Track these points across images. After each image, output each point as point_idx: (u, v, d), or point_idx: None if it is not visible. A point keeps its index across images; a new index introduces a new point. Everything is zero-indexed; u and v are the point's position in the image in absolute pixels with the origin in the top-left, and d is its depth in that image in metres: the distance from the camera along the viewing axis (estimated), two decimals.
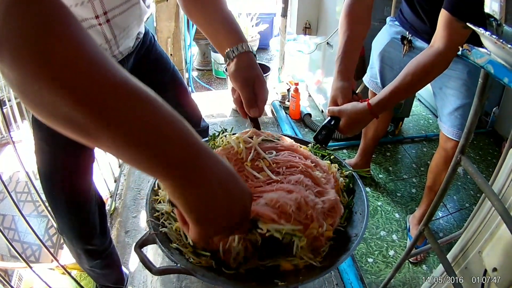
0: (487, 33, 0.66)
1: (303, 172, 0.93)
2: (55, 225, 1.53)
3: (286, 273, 0.84)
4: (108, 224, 1.53)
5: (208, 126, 1.63)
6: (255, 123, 1.04)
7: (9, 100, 2.85)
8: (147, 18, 1.24)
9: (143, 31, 1.28)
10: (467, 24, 0.77)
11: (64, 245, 1.92)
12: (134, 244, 0.81)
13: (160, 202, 0.97)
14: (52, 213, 1.28)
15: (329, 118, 1.25)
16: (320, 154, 1.13)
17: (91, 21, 0.95)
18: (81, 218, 1.28)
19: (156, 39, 1.40)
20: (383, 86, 1.97)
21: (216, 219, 0.54)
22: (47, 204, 1.30)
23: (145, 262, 0.76)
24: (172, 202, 0.56)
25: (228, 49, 0.96)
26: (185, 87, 1.51)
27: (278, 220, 0.77)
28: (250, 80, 0.96)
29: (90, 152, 1.26)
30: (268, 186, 0.88)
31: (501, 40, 0.64)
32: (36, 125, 1.13)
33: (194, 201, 0.50)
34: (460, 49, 0.77)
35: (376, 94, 2.00)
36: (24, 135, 2.83)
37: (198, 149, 0.49)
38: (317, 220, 0.83)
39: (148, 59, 1.33)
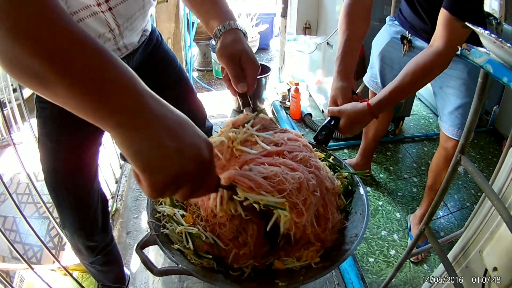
0: (486, 32, 0.66)
1: (305, 159, 0.90)
2: (56, 226, 1.54)
3: (287, 274, 0.84)
4: (110, 222, 1.53)
5: (212, 126, 1.63)
6: (244, 100, 1.02)
7: (10, 102, 2.86)
8: (151, 14, 1.24)
9: (150, 29, 1.29)
10: (466, 23, 0.77)
11: (66, 247, 1.92)
12: (136, 245, 0.81)
13: (161, 203, 0.97)
14: (55, 207, 1.28)
15: (329, 118, 1.25)
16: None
17: (93, 8, 0.96)
18: (83, 213, 1.29)
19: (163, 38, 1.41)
20: (383, 86, 1.97)
21: (163, 167, 0.51)
22: (48, 205, 1.31)
23: (147, 263, 0.77)
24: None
25: (216, 28, 0.96)
26: (191, 86, 1.51)
27: (257, 190, 0.75)
28: (236, 55, 0.93)
29: (93, 148, 1.26)
30: (268, 159, 0.85)
31: (500, 39, 0.64)
32: (40, 121, 1.15)
33: (138, 146, 0.50)
34: (459, 48, 0.77)
35: (376, 94, 2.01)
36: (24, 136, 2.84)
37: (144, 96, 0.50)
38: (308, 214, 0.81)
39: (155, 57, 1.34)
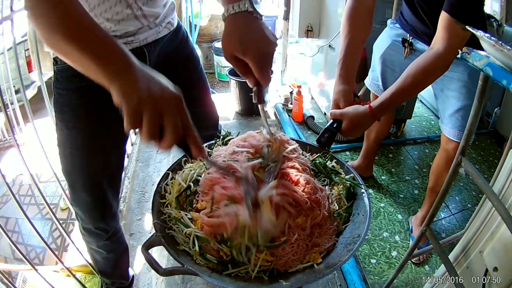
0: (486, 35, 0.67)
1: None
2: (59, 227, 1.55)
3: (290, 274, 0.85)
4: (119, 211, 1.54)
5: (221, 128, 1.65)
6: (256, 95, 0.91)
7: (12, 103, 2.87)
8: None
9: (175, 24, 1.31)
10: (466, 26, 0.78)
11: (69, 248, 1.93)
12: (140, 246, 0.82)
13: (167, 205, 0.98)
14: (68, 187, 1.31)
15: (331, 121, 1.25)
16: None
17: None
18: (95, 195, 1.30)
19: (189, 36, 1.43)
20: (385, 88, 1.97)
21: (138, 95, 0.66)
22: (51, 206, 1.32)
23: (152, 264, 0.78)
24: None
25: (223, 11, 0.87)
26: (208, 88, 1.52)
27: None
28: (231, 52, 0.85)
29: (114, 136, 1.26)
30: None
31: (499, 42, 0.65)
32: (57, 107, 1.18)
33: (124, 87, 0.67)
34: (460, 52, 0.78)
35: (377, 96, 2.02)
36: (27, 138, 2.85)
37: (130, 57, 0.71)
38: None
39: (180, 54, 1.35)
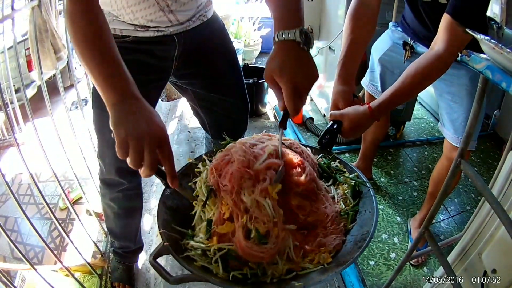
0: (486, 38, 0.68)
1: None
2: (59, 227, 1.55)
3: (301, 275, 0.85)
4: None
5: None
6: (281, 118, 0.93)
7: (12, 103, 2.87)
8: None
9: (209, 15, 1.36)
10: (466, 29, 0.78)
11: (68, 248, 1.93)
12: (149, 256, 0.82)
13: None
14: (98, 142, 1.41)
15: (331, 122, 1.25)
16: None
17: None
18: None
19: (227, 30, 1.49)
20: (383, 90, 1.98)
21: (126, 126, 0.78)
22: (51, 206, 1.32)
23: (162, 273, 0.77)
24: None
25: (274, 34, 0.91)
26: (240, 80, 1.51)
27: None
28: (268, 75, 0.88)
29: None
30: None
31: (499, 45, 0.66)
32: (94, 94, 1.33)
33: (118, 115, 0.80)
34: (459, 54, 0.78)
35: (373, 97, 2.01)
36: (27, 137, 2.85)
37: (129, 87, 0.84)
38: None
39: (212, 44, 1.40)
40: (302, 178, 0.96)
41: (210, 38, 1.37)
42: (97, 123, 1.36)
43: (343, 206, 1.02)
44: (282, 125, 0.92)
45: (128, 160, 0.78)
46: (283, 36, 0.88)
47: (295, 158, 0.99)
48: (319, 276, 0.82)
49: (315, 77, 0.89)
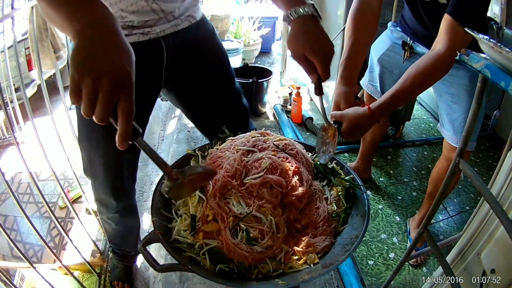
0: (484, 37, 0.68)
1: None
2: (58, 226, 1.55)
3: (286, 273, 0.85)
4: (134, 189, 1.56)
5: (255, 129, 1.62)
6: (316, 87, 1.05)
7: (12, 102, 2.87)
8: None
9: (198, 17, 1.30)
10: (466, 29, 0.78)
11: (67, 246, 1.93)
12: (139, 243, 0.82)
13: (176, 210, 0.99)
14: (86, 162, 1.33)
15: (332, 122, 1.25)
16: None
17: None
18: (111, 173, 1.32)
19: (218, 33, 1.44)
20: (382, 90, 1.98)
21: (81, 56, 0.64)
22: (50, 205, 1.32)
23: (150, 260, 0.78)
24: None
25: (283, 15, 1.00)
26: (233, 84, 1.46)
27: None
28: (298, 52, 0.97)
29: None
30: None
31: (498, 44, 0.66)
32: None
33: (76, 41, 0.66)
34: (458, 54, 0.78)
35: (373, 97, 2.01)
36: (26, 136, 2.86)
37: (97, 14, 0.68)
38: None
39: (202, 48, 1.33)
40: (301, 190, 0.97)
41: (201, 41, 1.32)
42: (82, 128, 1.26)
43: (335, 208, 1.02)
44: (322, 92, 1.05)
45: (82, 104, 0.64)
46: (301, 11, 0.97)
47: (291, 165, 1.01)
48: (303, 276, 0.83)
49: (332, 44, 0.99)
